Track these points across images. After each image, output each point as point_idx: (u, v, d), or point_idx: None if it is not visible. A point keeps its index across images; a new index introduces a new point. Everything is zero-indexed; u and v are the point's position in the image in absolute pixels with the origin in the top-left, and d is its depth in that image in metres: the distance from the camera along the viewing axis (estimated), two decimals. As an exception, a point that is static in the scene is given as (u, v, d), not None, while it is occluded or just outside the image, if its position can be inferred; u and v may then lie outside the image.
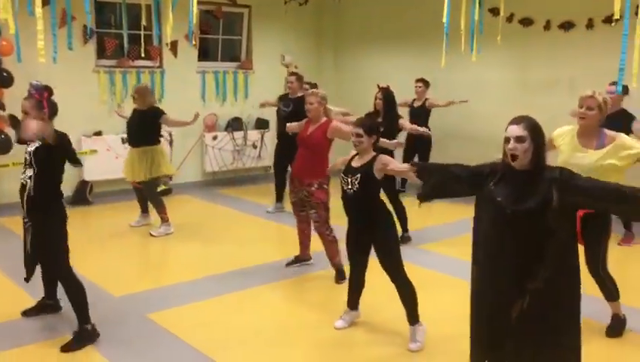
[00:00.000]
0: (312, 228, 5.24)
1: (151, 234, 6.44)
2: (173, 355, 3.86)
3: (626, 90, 5.56)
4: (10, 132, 6.77)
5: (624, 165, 3.82)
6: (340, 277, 5.10)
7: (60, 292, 4.16)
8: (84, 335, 3.92)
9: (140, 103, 6.41)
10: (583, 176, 2.76)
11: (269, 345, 4.01)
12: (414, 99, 8.12)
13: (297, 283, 5.16)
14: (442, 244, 6.15)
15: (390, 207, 6.24)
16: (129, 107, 6.82)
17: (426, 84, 8.08)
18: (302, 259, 5.48)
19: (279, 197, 7.55)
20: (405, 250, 5.91)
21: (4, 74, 6.93)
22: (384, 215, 4.02)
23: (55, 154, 3.87)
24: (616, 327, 4.15)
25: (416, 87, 8.07)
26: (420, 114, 7.99)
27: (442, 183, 3.07)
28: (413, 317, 3.96)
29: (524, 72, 7.84)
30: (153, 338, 4.09)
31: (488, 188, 2.80)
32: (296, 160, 5.23)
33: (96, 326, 3.98)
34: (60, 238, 3.93)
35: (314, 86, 7.17)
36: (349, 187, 3.97)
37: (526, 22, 7.71)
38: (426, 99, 8.06)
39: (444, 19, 5.54)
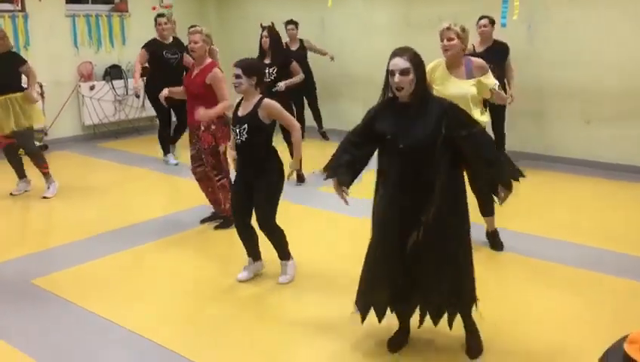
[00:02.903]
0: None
1: (45, 197, 5.88)
2: (65, 319, 3.59)
3: (492, 21, 6.14)
4: None
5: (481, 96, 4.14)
6: (224, 224, 4.99)
7: None
8: None
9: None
10: (467, 115, 2.88)
11: (168, 301, 3.84)
12: (286, 43, 7.93)
13: (194, 236, 4.97)
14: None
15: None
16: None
17: (296, 25, 7.85)
18: (216, 216, 5.14)
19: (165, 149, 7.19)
20: (304, 194, 5.97)
21: None
22: (274, 163, 3.86)
23: None
24: (498, 242, 4.48)
25: (287, 30, 7.76)
26: (297, 57, 7.84)
27: (353, 163, 3.00)
28: (283, 254, 4.00)
29: (409, 11, 7.90)
30: (41, 304, 3.78)
31: (379, 127, 2.85)
32: (187, 106, 4.93)
33: None
34: None
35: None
36: (239, 138, 3.79)
37: (409, -41, 7.73)
38: (301, 40, 7.87)
39: (330, -44, 5.42)
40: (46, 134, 8.02)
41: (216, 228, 5.02)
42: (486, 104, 4.45)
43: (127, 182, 6.58)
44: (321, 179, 6.28)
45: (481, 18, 6.21)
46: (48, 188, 5.98)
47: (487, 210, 4.38)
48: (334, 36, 8.52)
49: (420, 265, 2.84)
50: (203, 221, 5.16)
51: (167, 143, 7.22)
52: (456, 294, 2.92)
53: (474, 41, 6.02)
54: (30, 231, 5.41)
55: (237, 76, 3.74)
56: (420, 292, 2.94)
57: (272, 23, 6.00)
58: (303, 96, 7.88)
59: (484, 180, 2.95)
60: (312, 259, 4.32)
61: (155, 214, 5.44)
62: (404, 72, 2.71)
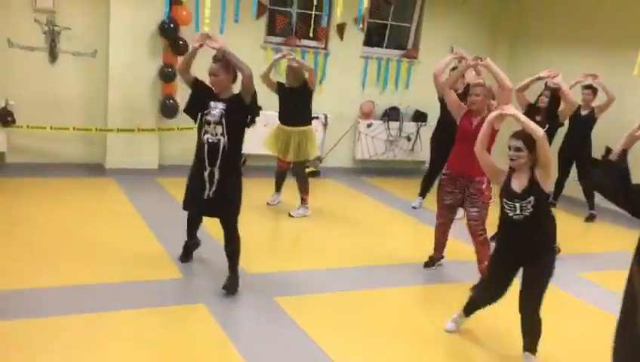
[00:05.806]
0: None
1: (289, 215, 6.41)
2: (289, 342, 3.76)
3: None
4: (180, 97, 7.14)
5: None
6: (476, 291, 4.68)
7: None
8: (237, 279, 4.34)
9: (294, 81, 6.27)
10: None
11: (388, 349, 3.75)
12: (580, 106, 7.34)
13: (432, 289, 4.81)
14: (605, 275, 5.41)
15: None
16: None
17: (594, 92, 7.32)
18: (437, 258, 5.26)
19: (423, 192, 7.29)
20: (562, 276, 5.33)
21: (181, 42, 7.23)
22: (552, 242, 3.57)
23: (245, 111, 4.18)
24: None
25: (583, 94, 7.34)
26: (586, 123, 7.31)
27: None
28: (530, 347, 3.61)
29: None
30: (274, 321, 4.02)
31: None
32: (458, 156, 4.79)
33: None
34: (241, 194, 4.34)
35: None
36: (518, 213, 3.46)
37: None
38: (594, 108, 7.33)
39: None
40: (320, 161, 8.67)
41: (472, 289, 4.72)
42: None
43: (380, 221, 6.71)
44: (583, 263, 5.66)
45: None
46: (299, 208, 6.44)
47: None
48: (633, 107, 7.57)
49: None
50: (426, 265, 5.21)
51: (427, 188, 7.28)
52: None
53: None
54: (284, 248, 5.82)
55: (517, 149, 3.45)
56: None
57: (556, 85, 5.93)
58: (572, 162, 7.49)
59: None
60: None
61: (399, 260, 5.42)
62: None
